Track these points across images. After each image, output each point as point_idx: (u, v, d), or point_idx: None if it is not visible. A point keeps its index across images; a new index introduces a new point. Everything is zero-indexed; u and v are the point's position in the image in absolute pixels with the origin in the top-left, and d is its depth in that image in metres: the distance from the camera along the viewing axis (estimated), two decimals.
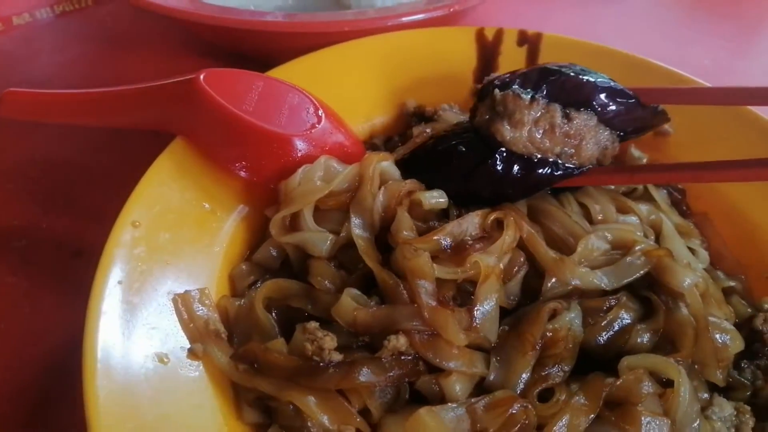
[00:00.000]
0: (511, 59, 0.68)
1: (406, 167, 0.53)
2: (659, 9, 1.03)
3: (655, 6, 1.03)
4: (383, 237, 0.48)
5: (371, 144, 0.63)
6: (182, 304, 0.44)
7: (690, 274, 0.46)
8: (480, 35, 0.68)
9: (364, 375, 0.40)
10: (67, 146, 0.67)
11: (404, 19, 0.67)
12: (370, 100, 0.65)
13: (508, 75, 0.52)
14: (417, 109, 0.64)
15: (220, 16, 0.66)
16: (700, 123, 0.60)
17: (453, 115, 0.62)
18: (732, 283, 0.52)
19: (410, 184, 0.50)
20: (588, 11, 1.00)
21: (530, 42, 0.68)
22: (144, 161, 0.51)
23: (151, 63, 0.80)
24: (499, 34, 0.68)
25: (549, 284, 0.46)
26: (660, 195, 0.57)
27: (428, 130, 0.57)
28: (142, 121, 0.56)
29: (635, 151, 0.59)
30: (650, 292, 0.47)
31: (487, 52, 0.68)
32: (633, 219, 0.52)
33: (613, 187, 0.56)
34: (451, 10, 0.65)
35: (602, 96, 0.50)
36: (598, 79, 0.51)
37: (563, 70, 0.50)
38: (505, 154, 0.49)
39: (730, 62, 0.91)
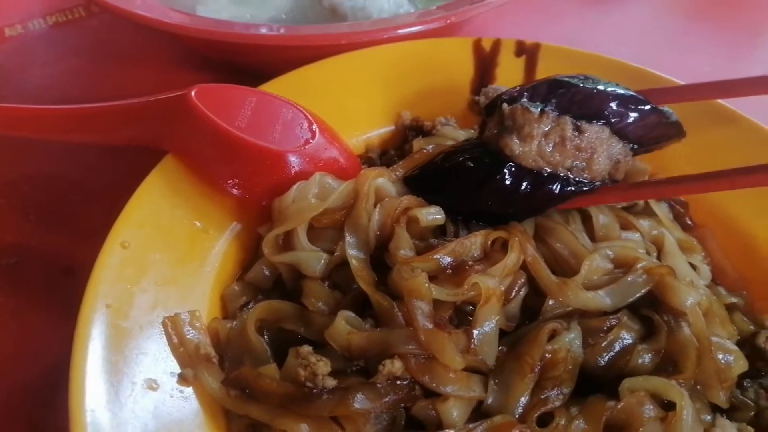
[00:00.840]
0: (508, 70, 0.67)
1: (414, 184, 0.52)
2: (658, 16, 1.02)
3: (653, 13, 1.02)
4: (379, 256, 0.48)
5: (367, 158, 0.62)
6: (172, 327, 0.43)
7: (692, 292, 0.45)
8: (477, 46, 0.67)
9: (359, 401, 0.39)
10: (59, 162, 0.66)
11: (400, 31, 0.66)
12: (365, 113, 0.64)
13: (516, 88, 0.51)
14: (413, 121, 0.63)
15: (214, 29, 0.66)
16: (693, 131, 0.59)
17: (451, 130, 0.61)
18: (734, 300, 0.51)
19: (407, 200, 0.49)
20: (586, 19, 0.99)
21: (528, 52, 0.67)
22: (137, 177, 0.50)
23: (145, 75, 0.79)
24: (496, 44, 0.67)
25: (549, 304, 0.45)
26: (661, 209, 0.56)
27: (429, 147, 0.56)
28: (133, 137, 0.55)
29: (638, 163, 0.57)
30: (651, 311, 0.46)
31: (485, 63, 0.67)
32: (635, 236, 0.51)
33: None
34: (448, 21, 0.64)
35: (613, 105, 0.49)
36: (609, 88, 0.50)
37: (573, 81, 0.49)
38: (514, 168, 0.48)
39: (730, 69, 0.90)
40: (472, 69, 0.67)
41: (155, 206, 0.49)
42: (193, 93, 0.51)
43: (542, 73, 0.66)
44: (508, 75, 0.66)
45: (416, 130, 0.63)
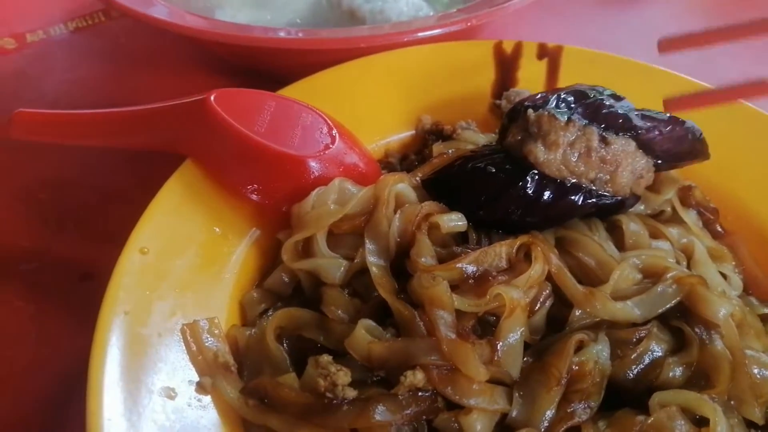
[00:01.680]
0: (530, 73, 0.66)
1: (432, 188, 0.51)
2: (677, 18, 0.99)
3: (672, 15, 1.00)
4: (399, 263, 0.47)
5: (386, 163, 0.61)
6: (191, 335, 0.43)
7: (725, 303, 0.44)
8: (498, 49, 0.66)
9: (380, 413, 0.38)
10: (78, 167, 0.66)
11: (420, 34, 0.65)
12: (384, 118, 0.63)
13: (540, 95, 0.50)
14: (434, 126, 0.62)
15: (233, 33, 0.65)
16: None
17: (471, 134, 0.60)
18: (767, 310, 0.49)
19: (427, 206, 0.48)
20: (604, 22, 0.97)
21: (550, 55, 0.66)
22: (156, 182, 0.50)
23: (164, 80, 0.79)
24: (518, 47, 0.66)
25: (576, 315, 0.44)
26: (690, 216, 0.54)
27: (450, 151, 0.55)
28: (152, 142, 0.55)
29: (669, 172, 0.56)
30: (682, 322, 0.45)
31: (506, 66, 0.66)
32: (664, 244, 0.50)
33: (642, 207, 0.53)
34: (468, 24, 0.63)
35: (641, 116, 0.49)
36: (630, 105, 0.49)
37: (598, 90, 0.49)
38: (537, 176, 0.47)
39: (760, 74, 0.88)
40: (493, 72, 0.66)
41: (174, 212, 0.48)
42: (212, 98, 0.51)
43: (565, 76, 0.65)
44: (530, 78, 0.65)
45: (436, 134, 0.62)
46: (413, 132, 0.64)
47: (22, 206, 0.64)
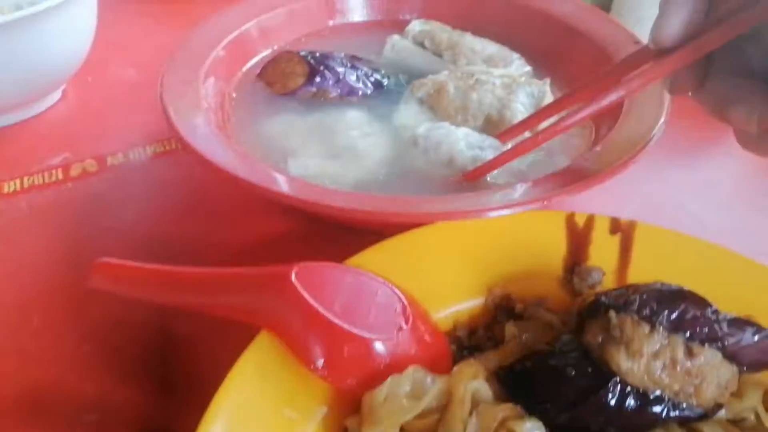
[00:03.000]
0: (602, 248, 0.65)
1: (508, 381, 0.50)
2: (747, 175, 0.98)
3: (742, 172, 0.99)
4: None
5: (455, 337, 0.60)
6: None
7: None
8: (570, 221, 0.66)
9: None
10: (154, 315, 0.67)
11: (494, 213, 0.63)
12: (452, 288, 0.63)
13: (620, 293, 0.50)
14: (503, 299, 0.62)
15: (305, 198, 0.63)
16: None
17: (543, 313, 0.59)
18: None
19: (504, 411, 0.47)
20: (670, 177, 0.94)
21: (623, 231, 0.66)
22: (222, 330, 0.51)
23: (237, 218, 0.81)
24: (590, 220, 0.66)
25: None
26: None
27: (524, 336, 0.55)
28: (228, 308, 0.55)
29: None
30: None
31: (578, 239, 0.66)
32: None
33: (724, 412, 0.51)
34: (545, 203, 0.63)
35: (728, 325, 0.47)
36: (715, 310, 0.48)
37: (682, 292, 0.48)
38: (619, 385, 0.46)
39: None
40: (565, 245, 0.66)
41: (248, 391, 0.48)
42: (293, 275, 0.52)
43: (638, 254, 0.65)
44: (602, 254, 0.65)
45: (507, 311, 0.61)
46: (482, 300, 0.63)
47: (88, 346, 0.64)
